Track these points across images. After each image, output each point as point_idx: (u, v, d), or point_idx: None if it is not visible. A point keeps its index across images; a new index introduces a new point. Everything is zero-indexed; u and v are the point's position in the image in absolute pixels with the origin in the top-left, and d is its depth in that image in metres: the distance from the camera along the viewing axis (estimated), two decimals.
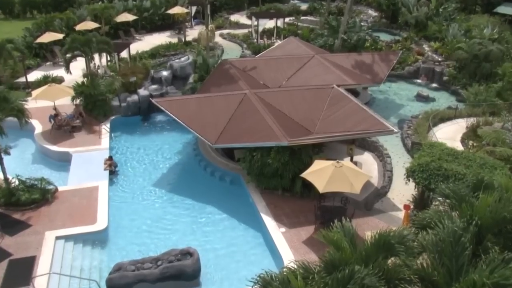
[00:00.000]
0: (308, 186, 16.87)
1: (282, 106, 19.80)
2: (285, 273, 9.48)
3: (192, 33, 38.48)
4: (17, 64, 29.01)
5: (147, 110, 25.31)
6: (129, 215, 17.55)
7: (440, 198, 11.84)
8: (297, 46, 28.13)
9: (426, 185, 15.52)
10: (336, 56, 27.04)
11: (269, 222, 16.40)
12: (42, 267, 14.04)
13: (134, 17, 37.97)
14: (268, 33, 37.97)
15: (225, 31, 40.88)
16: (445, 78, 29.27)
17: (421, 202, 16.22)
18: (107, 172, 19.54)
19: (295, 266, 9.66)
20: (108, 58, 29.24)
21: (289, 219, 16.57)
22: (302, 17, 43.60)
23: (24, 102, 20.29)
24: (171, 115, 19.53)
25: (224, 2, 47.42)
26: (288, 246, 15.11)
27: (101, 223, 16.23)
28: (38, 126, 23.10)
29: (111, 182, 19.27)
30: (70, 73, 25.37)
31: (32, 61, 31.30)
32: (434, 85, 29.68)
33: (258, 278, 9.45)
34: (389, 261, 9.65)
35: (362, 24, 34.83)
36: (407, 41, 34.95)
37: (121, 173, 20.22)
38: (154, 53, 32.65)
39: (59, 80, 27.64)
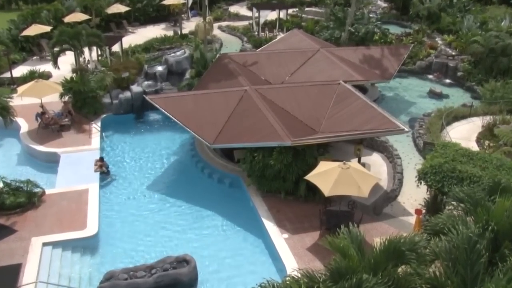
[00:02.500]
0: (312, 189, 16.87)
1: (285, 103, 19.81)
2: (288, 282, 9.50)
3: (189, 26, 38.53)
4: (2, 58, 29.06)
5: (141, 107, 25.32)
6: (121, 219, 17.56)
7: (454, 202, 11.87)
8: (301, 39, 28.15)
9: (439, 188, 15.52)
10: (343, 50, 27.05)
11: (271, 227, 16.40)
12: (28, 275, 14.03)
13: (127, 8, 38.00)
14: (270, 25, 37.99)
15: (224, 23, 40.91)
16: (459, 73, 29.28)
17: (433, 206, 16.21)
18: (97, 174, 19.55)
19: (299, 275, 9.68)
20: (99, 52, 29.26)
21: (293, 225, 16.58)
22: (306, 8, 43.60)
23: (9, 99, 20.41)
24: (166, 113, 19.53)
25: None
26: (291, 253, 15.11)
27: (91, 229, 16.23)
28: (24, 125, 23.11)
29: (102, 184, 19.27)
30: (58, 68, 25.40)
31: (18, 56, 31.32)
32: (448, 81, 29.71)
33: None
34: (400, 269, 9.67)
35: (371, 15, 34.92)
36: (419, 34, 34.94)
37: (112, 175, 20.23)
38: (148, 46, 32.62)
39: (46, 76, 27.67)
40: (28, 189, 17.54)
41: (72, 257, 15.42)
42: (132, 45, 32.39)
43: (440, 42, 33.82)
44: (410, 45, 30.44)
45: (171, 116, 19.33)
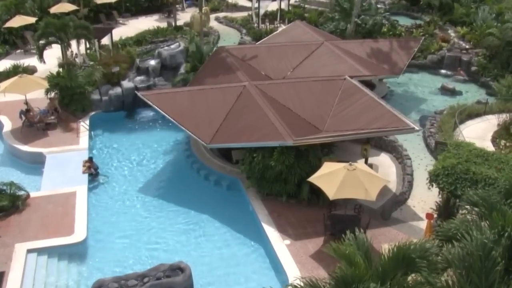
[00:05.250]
0: (316, 192, 16.88)
1: (286, 100, 19.82)
2: None
3: (184, 17, 38.51)
4: None
5: (132, 104, 25.33)
6: (111, 225, 17.56)
7: (468, 206, 11.85)
8: (303, 32, 28.16)
9: (451, 191, 15.52)
10: (349, 43, 27.07)
11: (272, 233, 16.42)
12: (11, 284, 14.03)
13: None
14: (270, 16, 37.97)
15: (221, 15, 40.91)
16: (473, 68, 29.30)
17: (445, 210, 16.23)
18: (86, 175, 19.57)
19: (302, 284, 9.68)
20: (88, 45, 29.25)
21: (295, 230, 16.60)
22: None
23: None
24: (160, 110, 19.54)
25: None
26: (293, 261, 15.13)
27: (79, 234, 16.24)
28: (7, 123, 23.13)
29: (90, 187, 19.29)
30: (44, 62, 25.36)
31: (0, 49, 31.34)
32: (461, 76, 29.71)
33: None
34: (409, 278, 9.66)
35: (379, 6, 34.88)
36: (430, 25, 34.95)
37: (102, 177, 20.22)
38: (140, 39, 32.65)
39: (31, 71, 27.67)
40: (12, 192, 17.55)
41: (59, 264, 15.41)
42: (123, 38, 32.37)
43: (452, 34, 33.82)
44: (421, 37, 30.45)
45: (164, 113, 19.33)
